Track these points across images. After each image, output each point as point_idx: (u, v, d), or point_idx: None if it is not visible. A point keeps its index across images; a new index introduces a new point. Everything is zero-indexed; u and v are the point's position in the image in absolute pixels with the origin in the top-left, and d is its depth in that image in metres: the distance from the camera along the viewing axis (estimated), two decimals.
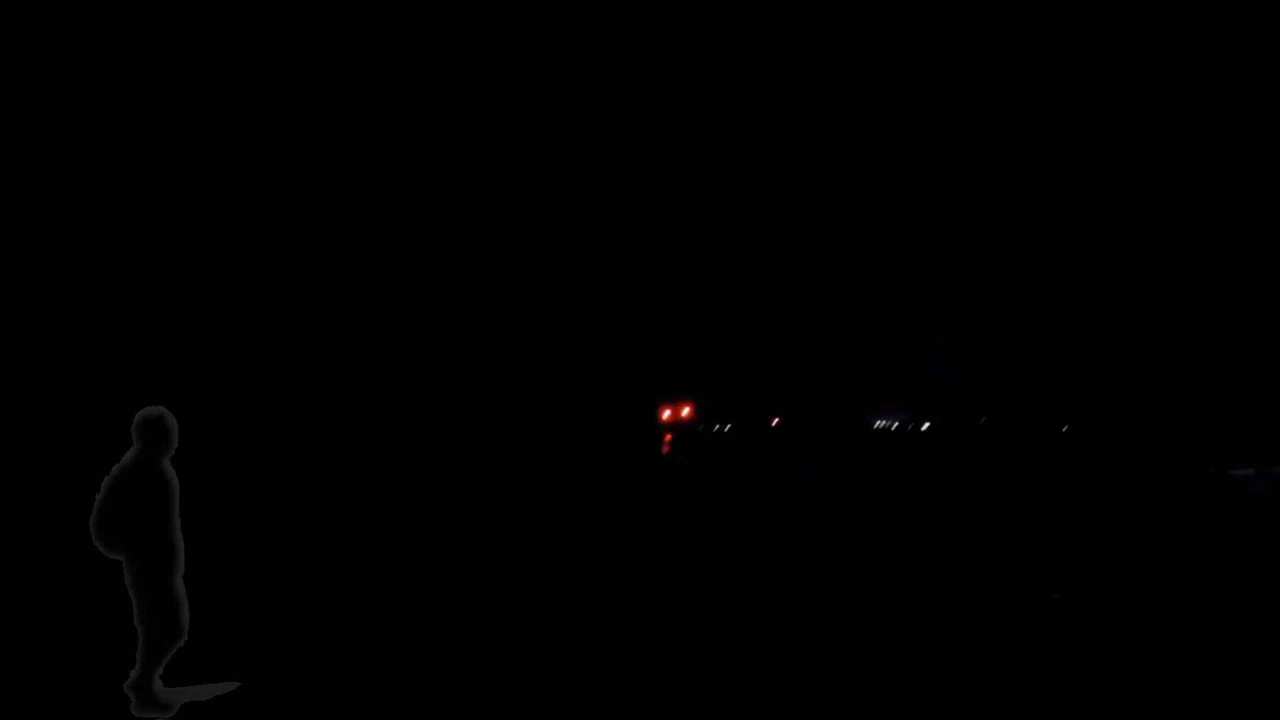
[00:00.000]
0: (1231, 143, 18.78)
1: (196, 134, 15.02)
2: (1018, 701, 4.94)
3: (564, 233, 19.96)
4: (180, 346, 14.49)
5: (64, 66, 14.05)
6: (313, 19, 16.07)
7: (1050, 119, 20.41)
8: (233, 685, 5.00)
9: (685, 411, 24.27)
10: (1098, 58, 19.40)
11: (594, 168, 20.25)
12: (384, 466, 14.74)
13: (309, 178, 16.04)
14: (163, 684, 4.86)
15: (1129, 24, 18.95)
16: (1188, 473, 13.65)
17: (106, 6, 14.25)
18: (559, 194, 19.73)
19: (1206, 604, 7.38)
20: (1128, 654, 5.86)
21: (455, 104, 18.02)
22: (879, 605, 7.21)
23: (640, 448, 23.57)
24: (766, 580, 8.27)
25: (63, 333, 13.72)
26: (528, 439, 17.72)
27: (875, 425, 27.09)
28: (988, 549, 10.15)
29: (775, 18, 20.21)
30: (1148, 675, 5.41)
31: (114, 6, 14.30)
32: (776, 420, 27.30)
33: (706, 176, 22.67)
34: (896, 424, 26.72)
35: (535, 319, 19.26)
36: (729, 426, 26.19)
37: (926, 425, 25.93)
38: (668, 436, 21.80)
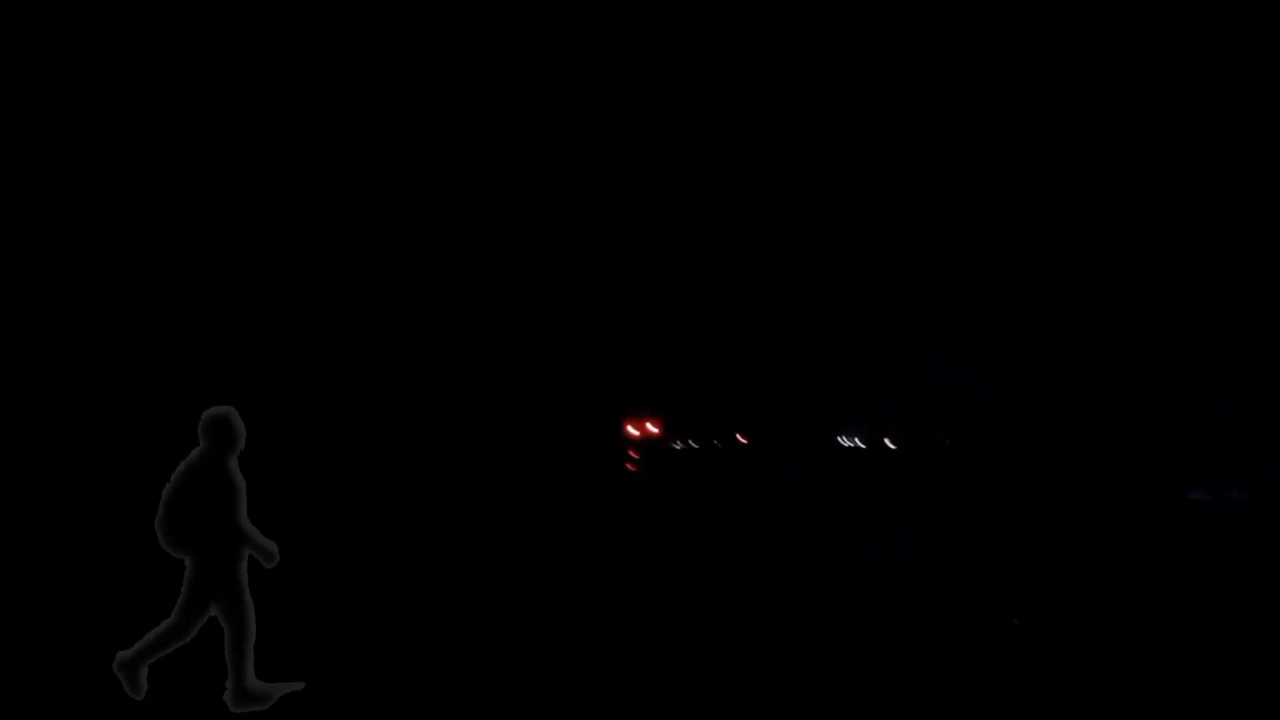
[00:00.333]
0: (1231, 143, 18.78)
1: (198, 134, 15.01)
2: (1018, 701, 4.94)
3: (564, 233, 19.95)
4: (179, 347, 14.48)
5: (64, 66, 14.05)
6: (313, 19, 16.07)
7: (1050, 119, 20.41)
8: (299, 685, 5.01)
9: (653, 429, 24.22)
10: (1098, 58, 19.39)
11: (594, 168, 20.25)
12: (383, 466, 14.74)
13: (307, 177, 16.03)
14: (255, 677, 4.89)
15: (1129, 24, 18.95)
16: (1147, 495, 13.66)
17: (106, 6, 14.25)
18: (559, 194, 19.73)
19: (1206, 604, 7.37)
20: (1128, 654, 5.86)
21: (455, 104, 18.02)
22: (879, 605, 7.21)
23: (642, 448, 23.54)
24: (766, 580, 8.27)
25: (63, 333, 13.72)
26: (528, 439, 17.71)
27: (841, 444, 27.10)
28: (988, 549, 10.15)
29: (775, 18, 20.21)
30: (1148, 675, 5.41)
31: (114, 6, 14.30)
32: (742, 438, 27.26)
33: (706, 177, 22.67)
34: (862, 443, 26.72)
35: (535, 319, 19.26)
36: (694, 443, 26.13)
37: (892, 445, 25.94)
38: (633, 453, 21.78)
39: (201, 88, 15.07)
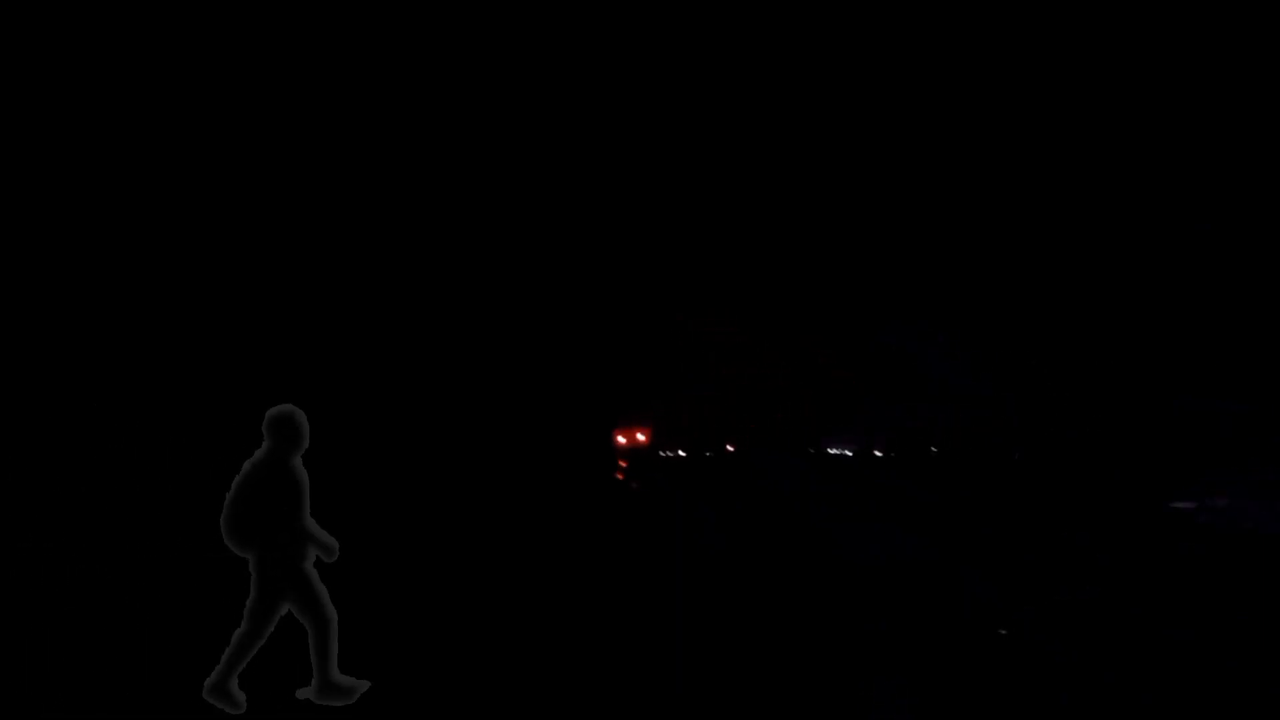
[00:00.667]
0: (1231, 143, 18.78)
1: (201, 134, 15.02)
2: (1018, 701, 4.94)
3: (563, 233, 19.96)
4: (178, 347, 14.49)
5: (64, 66, 14.06)
6: (313, 19, 16.07)
7: (1050, 119, 20.42)
8: (365, 684, 5.01)
9: (641, 437, 24.19)
10: (1098, 58, 19.39)
11: (594, 168, 20.25)
12: (383, 465, 14.73)
13: (305, 177, 16.04)
14: (339, 671, 4.90)
15: (1129, 24, 18.94)
16: (1133, 508, 13.66)
17: (107, 6, 14.25)
18: (558, 194, 19.73)
19: (1206, 604, 7.38)
20: (1128, 654, 5.86)
21: (455, 104, 18.03)
22: (879, 605, 7.21)
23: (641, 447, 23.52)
24: (766, 580, 8.27)
25: (63, 333, 13.72)
26: (527, 438, 17.71)
27: (830, 451, 27.11)
28: (988, 549, 10.15)
29: (775, 18, 20.22)
30: (1148, 675, 5.41)
31: (114, 6, 14.30)
32: (730, 446, 27.26)
33: (706, 177, 22.67)
34: (851, 452, 26.73)
35: (535, 319, 19.26)
36: (683, 453, 26.11)
37: (879, 454, 25.95)
38: (622, 462, 21.76)
39: (216, 87, 15.08)
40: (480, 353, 17.93)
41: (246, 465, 4.82)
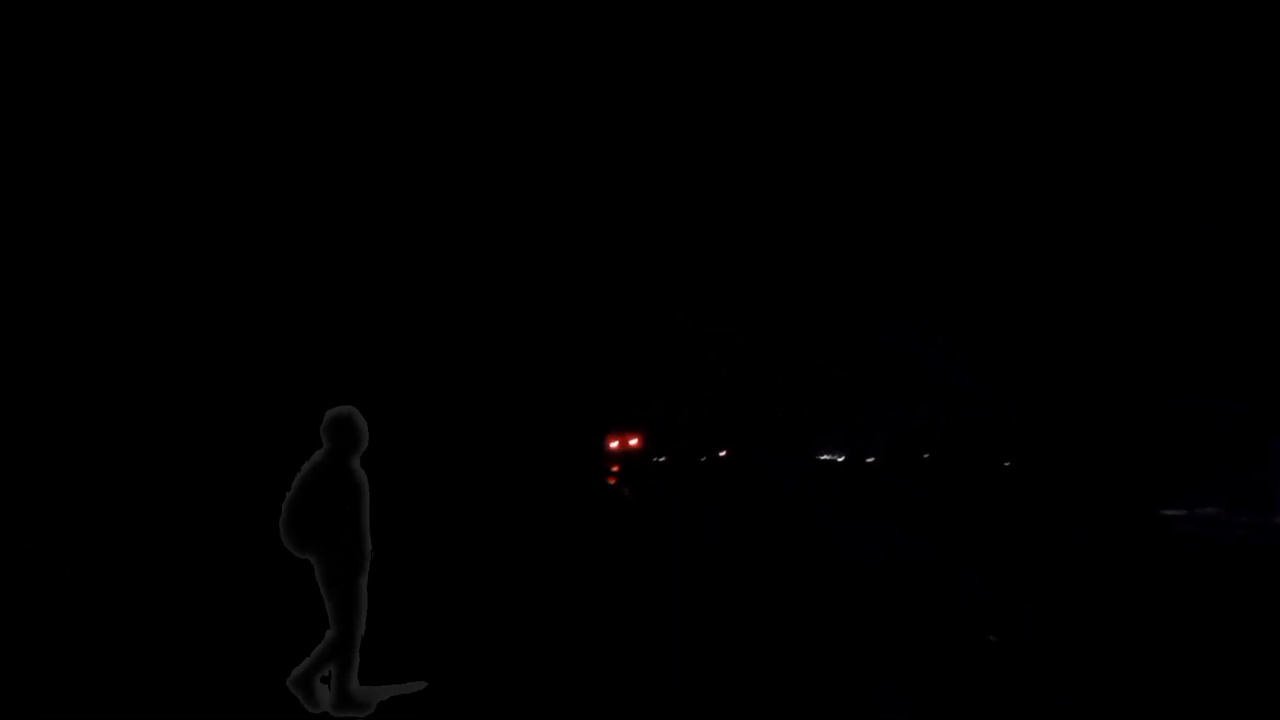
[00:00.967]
0: (1231, 143, 18.78)
1: (205, 135, 15.02)
2: (1018, 701, 4.94)
3: (563, 233, 19.95)
4: (177, 348, 14.49)
5: (64, 66, 14.05)
6: (312, 19, 16.07)
7: (1050, 119, 20.42)
8: (421, 685, 5.00)
9: (634, 442, 24.17)
10: (1098, 58, 19.40)
11: (593, 168, 20.25)
12: (384, 464, 14.71)
13: (303, 177, 16.04)
14: (359, 683, 4.88)
15: (1129, 24, 18.95)
16: (1132, 508, 13.65)
17: (107, 6, 14.25)
18: (558, 194, 19.73)
19: (1206, 604, 7.38)
20: (1128, 654, 5.86)
21: (455, 104, 18.03)
22: (879, 605, 7.21)
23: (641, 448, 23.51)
24: (766, 580, 8.27)
25: (63, 333, 13.72)
26: (527, 438, 17.71)
27: (822, 457, 27.10)
28: (988, 549, 10.16)
29: (774, 18, 20.22)
30: (1148, 675, 5.41)
31: (114, 6, 14.30)
32: (724, 452, 27.23)
33: (705, 177, 22.67)
34: (843, 457, 26.71)
35: (534, 319, 19.26)
36: (667, 458, 26.07)
37: (871, 459, 25.93)
38: (615, 467, 21.72)
39: (243, 89, 15.09)
40: (479, 353, 17.93)
41: (305, 467, 4.80)
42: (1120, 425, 19.94)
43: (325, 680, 4.82)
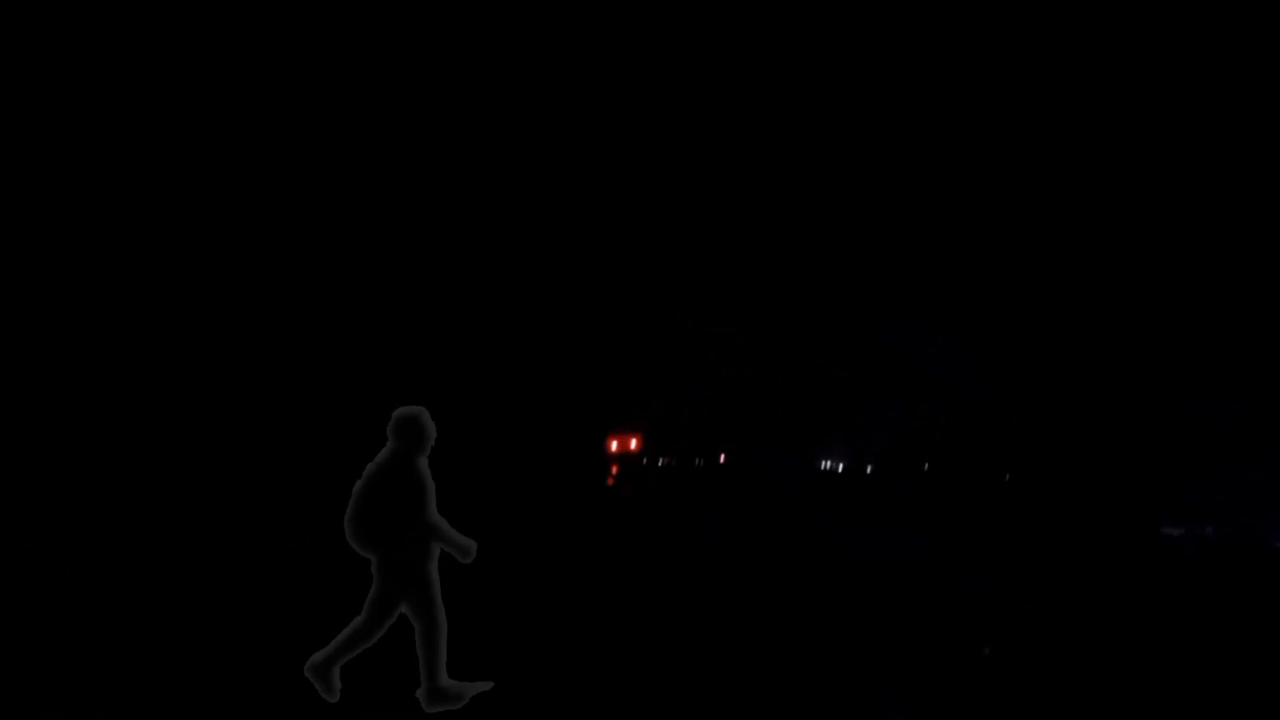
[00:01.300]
0: (1231, 143, 18.77)
1: (210, 134, 15.03)
2: (1018, 701, 4.94)
3: (563, 233, 19.95)
4: (176, 348, 14.48)
5: (64, 66, 14.06)
6: (312, 19, 16.07)
7: (1050, 119, 20.40)
8: (488, 685, 4.99)
9: (633, 443, 24.17)
10: (1097, 58, 19.38)
11: (593, 167, 20.24)
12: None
13: (302, 176, 16.04)
14: (448, 676, 4.90)
15: (1129, 24, 18.93)
16: (1133, 508, 13.64)
17: (107, 6, 14.25)
18: (558, 194, 19.72)
19: (1206, 604, 7.38)
20: (1128, 654, 5.85)
21: (454, 104, 18.02)
22: (879, 605, 7.21)
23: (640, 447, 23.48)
24: (766, 580, 8.27)
25: (63, 333, 13.71)
26: (527, 438, 17.70)
27: (822, 465, 27.08)
28: (988, 549, 10.16)
29: (774, 18, 20.21)
30: (1148, 675, 5.41)
31: (114, 6, 14.30)
32: (723, 455, 27.19)
33: (705, 177, 22.66)
34: (842, 465, 26.68)
35: (534, 319, 19.26)
36: (668, 460, 26.06)
37: (870, 468, 25.88)
38: (614, 468, 21.71)
39: (201, 88, 15.08)
40: (479, 353, 17.93)
41: (370, 466, 4.82)
42: (1120, 425, 19.93)
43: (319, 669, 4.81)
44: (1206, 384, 18.77)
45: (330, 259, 16.22)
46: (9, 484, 11.31)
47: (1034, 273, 22.38)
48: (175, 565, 8.41)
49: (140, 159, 14.63)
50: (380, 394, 15.79)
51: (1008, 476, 19.16)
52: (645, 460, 24.26)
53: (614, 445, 22.99)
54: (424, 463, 4.85)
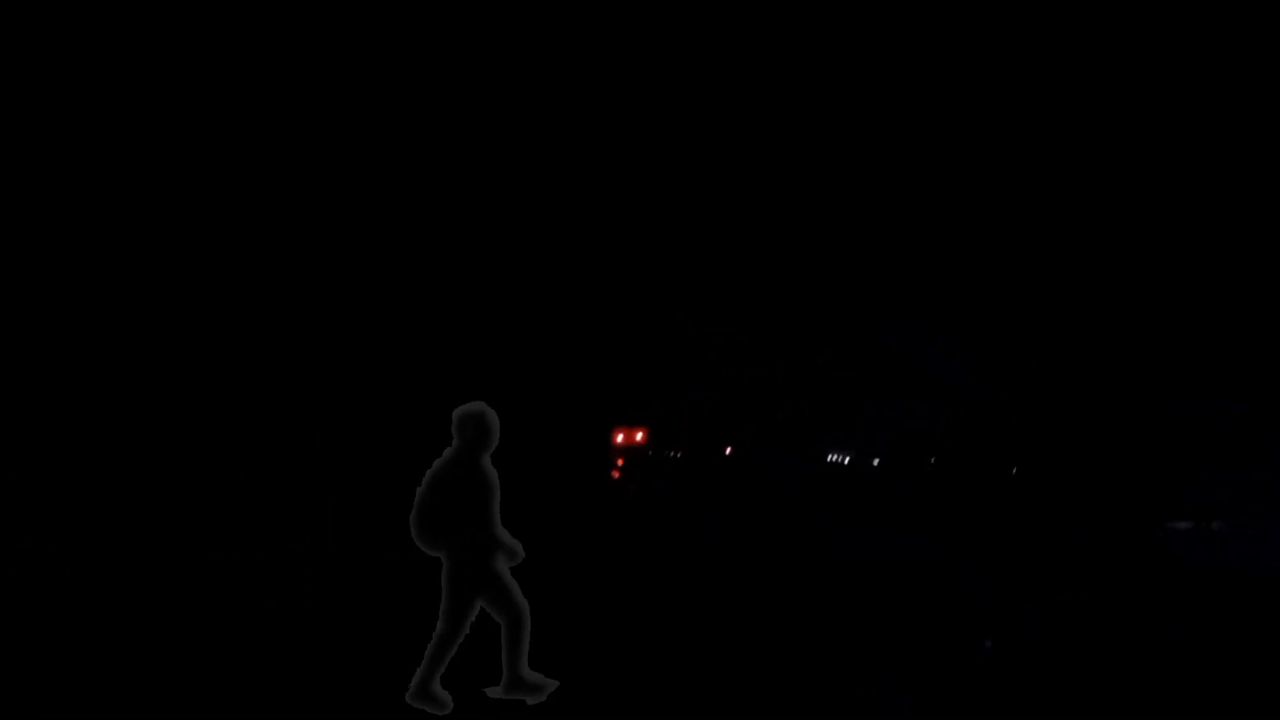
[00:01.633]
0: (1231, 143, 18.77)
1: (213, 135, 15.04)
2: (1018, 701, 4.94)
3: (563, 233, 19.95)
4: (176, 348, 14.49)
5: (64, 67, 14.06)
6: (313, 19, 16.08)
7: (1050, 119, 20.41)
8: (555, 684, 4.98)
9: (639, 436, 24.17)
10: (1097, 58, 19.38)
11: (593, 168, 20.25)
12: (383, 465, 14.71)
13: (296, 176, 16.04)
14: (529, 668, 4.87)
15: (1129, 24, 18.93)
16: (1133, 508, 13.64)
17: (107, 6, 14.26)
18: (558, 194, 19.73)
19: (1206, 604, 7.38)
20: (1128, 654, 5.86)
21: (455, 104, 18.03)
22: (879, 605, 7.21)
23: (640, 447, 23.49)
24: (766, 580, 8.27)
25: (63, 333, 13.72)
26: (528, 437, 17.69)
27: (830, 459, 27.11)
28: (988, 549, 10.16)
29: (774, 18, 20.21)
30: (1148, 675, 5.41)
31: (114, 6, 14.30)
32: (729, 449, 27.23)
33: (705, 177, 22.67)
34: (849, 458, 26.70)
35: (535, 319, 19.26)
36: (679, 453, 26.08)
37: (877, 461, 25.92)
38: (619, 461, 21.69)
39: (201, 87, 15.09)
40: (479, 354, 17.94)
41: (435, 464, 4.80)
42: (1120, 425, 19.93)
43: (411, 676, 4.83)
44: (1206, 384, 18.77)
45: (333, 262, 16.23)
46: (9, 484, 11.31)
47: (1034, 273, 22.39)
48: (175, 565, 8.41)
49: (141, 159, 14.63)
50: (386, 395, 15.80)
51: (1008, 476, 19.16)
52: (651, 453, 24.30)
53: (620, 438, 23.01)
54: (488, 460, 4.84)
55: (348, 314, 16.28)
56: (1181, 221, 19.76)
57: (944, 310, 24.86)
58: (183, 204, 14.93)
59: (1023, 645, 6.05)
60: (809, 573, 8.65)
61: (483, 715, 4.80)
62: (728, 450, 27.04)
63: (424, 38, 17.45)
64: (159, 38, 14.81)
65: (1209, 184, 19.35)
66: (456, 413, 4.84)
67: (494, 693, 4.83)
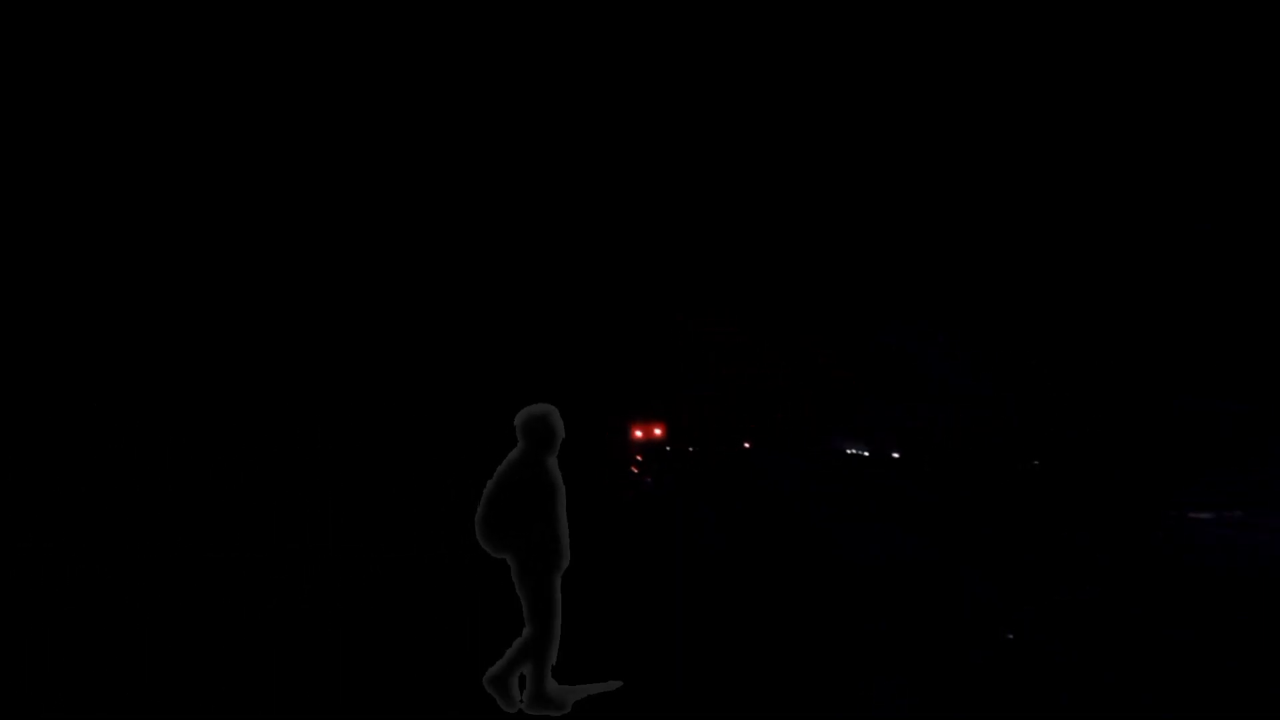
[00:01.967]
0: (1231, 143, 18.78)
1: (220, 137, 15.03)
2: (1018, 701, 4.94)
3: (564, 234, 19.95)
4: (176, 349, 14.48)
5: (64, 67, 14.06)
6: (313, 19, 16.07)
7: (1050, 119, 20.41)
8: (616, 684, 4.97)
9: (657, 432, 24.23)
10: (1097, 58, 19.39)
11: (594, 168, 20.24)
12: (383, 464, 14.72)
13: (302, 177, 16.04)
14: (555, 682, 4.88)
15: (1129, 24, 18.94)
16: (1133, 508, 13.63)
17: (108, 6, 14.25)
18: (559, 194, 19.72)
19: (1206, 604, 7.38)
20: (1128, 654, 5.86)
21: (455, 104, 18.02)
22: (879, 605, 7.22)
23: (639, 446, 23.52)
24: (766, 580, 8.27)
25: (63, 333, 13.72)
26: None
27: (847, 451, 27.10)
28: (988, 549, 10.16)
29: (775, 18, 20.20)
30: (1148, 675, 5.41)
31: (115, 6, 14.30)
32: (747, 444, 27.26)
33: (706, 177, 22.65)
34: (867, 452, 26.70)
35: (536, 319, 19.26)
36: (696, 448, 26.14)
37: (896, 455, 25.95)
38: (638, 456, 21.73)
39: (202, 87, 15.08)
40: (480, 354, 17.93)
41: (501, 466, 4.80)
42: (1120, 425, 19.93)
43: (520, 679, 4.83)
44: (1206, 384, 18.77)
45: (334, 266, 16.23)
46: (9, 484, 11.31)
47: (1034, 273, 22.38)
48: (175, 565, 8.41)
49: (141, 160, 14.63)
50: (386, 396, 15.80)
51: (1009, 476, 19.18)
52: (669, 448, 24.30)
53: (639, 434, 23.05)
54: (554, 462, 4.84)
55: (348, 317, 16.28)
56: (1181, 221, 19.76)
57: (944, 310, 24.86)
58: (182, 204, 14.93)
59: (1023, 645, 6.05)
60: (809, 573, 8.65)
61: (482, 713, 4.80)
62: (746, 445, 27.05)
63: (427, 40, 17.44)
64: (159, 38, 14.80)
65: (1209, 184, 19.35)
66: (521, 415, 4.85)
67: (522, 703, 4.84)
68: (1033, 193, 21.50)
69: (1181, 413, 18.54)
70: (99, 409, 13.40)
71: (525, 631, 4.79)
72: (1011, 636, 6.20)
